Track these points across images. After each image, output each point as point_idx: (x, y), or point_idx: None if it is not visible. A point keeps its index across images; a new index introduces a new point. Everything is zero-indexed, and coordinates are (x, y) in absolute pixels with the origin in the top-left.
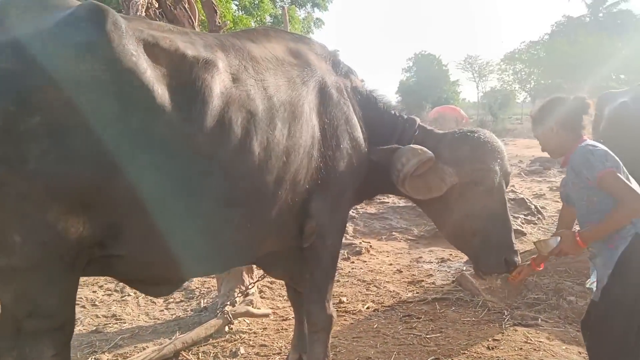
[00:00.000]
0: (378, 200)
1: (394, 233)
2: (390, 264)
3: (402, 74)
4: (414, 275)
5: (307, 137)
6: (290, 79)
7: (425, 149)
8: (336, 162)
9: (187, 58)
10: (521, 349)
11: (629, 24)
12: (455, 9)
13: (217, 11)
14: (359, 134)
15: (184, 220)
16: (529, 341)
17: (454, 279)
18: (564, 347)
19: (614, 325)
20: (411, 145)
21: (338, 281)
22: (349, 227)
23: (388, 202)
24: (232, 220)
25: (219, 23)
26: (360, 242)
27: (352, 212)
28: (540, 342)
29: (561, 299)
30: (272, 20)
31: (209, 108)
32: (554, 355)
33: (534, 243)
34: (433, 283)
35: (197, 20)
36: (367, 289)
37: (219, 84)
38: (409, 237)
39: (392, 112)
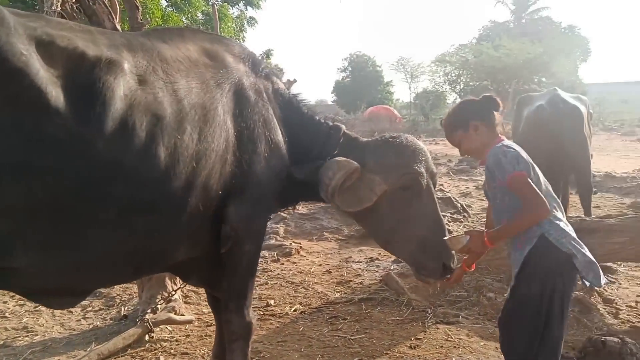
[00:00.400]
0: None
1: (324, 233)
2: (320, 265)
3: (338, 73)
4: (342, 275)
5: (220, 141)
6: (204, 81)
7: (350, 160)
8: (253, 167)
9: (87, 58)
10: (442, 346)
11: (548, 30)
12: (389, 11)
13: (139, 7)
14: (279, 137)
15: (84, 229)
16: (449, 339)
17: (381, 279)
18: (482, 344)
19: (521, 324)
20: (336, 158)
21: (266, 284)
22: (280, 228)
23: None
24: (137, 227)
25: (141, 20)
26: (291, 243)
27: (283, 213)
28: (460, 339)
29: (481, 296)
30: (204, 18)
31: (110, 111)
32: (472, 352)
33: (445, 240)
34: (361, 283)
35: (117, 17)
36: (295, 291)
37: (122, 85)
38: (340, 237)
39: (317, 118)
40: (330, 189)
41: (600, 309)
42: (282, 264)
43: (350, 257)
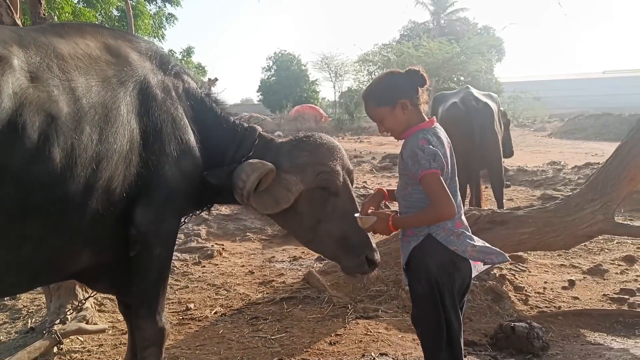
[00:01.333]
0: None
1: (248, 234)
2: (243, 266)
3: (263, 73)
4: (265, 275)
5: (123, 141)
6: (105, 79)
7: (264, 161)
8: (161, 168)
9: None
10: (361, 341)
11: (466, 31)
12: (314, 10)
13: (41, 2)
14: (190, 137)
15: None
16: (368, 333)
17: (303, 277)
18: (400, 336)
19: (423, 320)
20: (249, 161)
21: (187, 287)
22: (202, 230)
23: None
24: (31, 234)
25: (45, 15)
26: (213, 245)
27: (205, 214)
28: (379, 332)
29: (400, 289)
30: (119, 14)
31: None
32: (390, 345)
33: (356, 217)
34: (284, 282)
35: (18, 12)
36: (216, 293)
37: (11, 83)
38: (263, 237)
39: (231, 119)
40: (244, 192)
41: (512, 296)
42: (204, 266)
43: (274, 257)
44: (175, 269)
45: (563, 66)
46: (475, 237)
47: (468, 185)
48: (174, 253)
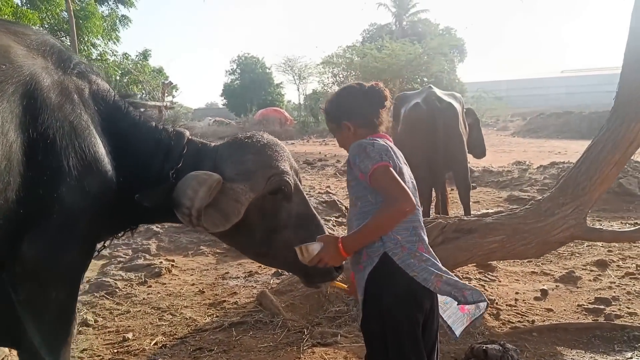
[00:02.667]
0: None
1: (202, 247)
2: (193, 284)
3: (226, 76)
4: (216, 295)
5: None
6: None
7: (209, 172)
8: (55, 188)
9: None
10: None
11: (428, 32)
12: (274, 13)
13: None
14: (97, 149)
15: None
16: None
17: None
18: None
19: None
20: (192, 173)
21: (128, 312)
22: (152, 245)
23: None
24: None
25: None
26: (161, 262)
27: (156, 226)
28: None
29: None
30: (67, 16)
31: None
32: None
33: (295, 249)
34: (236, 303)
35: None
36: (160, 319)
37: None
38: (218, 251)
39: (153, 124)
40: (193, 211)
41: None
42: (150, 286)
43: (228, 273)
44: (118, 290)
45: (523, 66)
46: (445, 269)
47: (433, 189)
48: (118, 272)
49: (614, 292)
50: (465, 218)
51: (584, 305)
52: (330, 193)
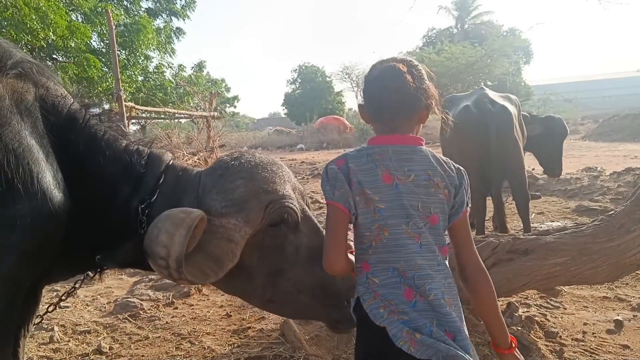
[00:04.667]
0: None
1: None
2: (221, 307)
3: (287, 86)
4: (243, 320)
5: None
6: None
7: (187, 209)
8: None
9: None
10: None
11: (491, 34)
12: (332, 21)
13: None
14: (36, 172)
15: None
16: None
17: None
18: None
19: None
20: (165, 213)
21: (146, 339)
22: None
23: None
24: None
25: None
26: None
27: None
28: None
29: None
30: (122, 29)
31: None
32: None
33: None
34: (261, 330)
35: None
36: (177, 347)
37: None
38: None
39: (122, 143)
40: (171, 262)
41: (542, 346)
42: (176, 308)
43: None
44: (142, 312)
45: (596, 66)
46: (431, 325)
47: (490, 199)
48: (147, 292)
49: None
50: (521, 236)
51: None
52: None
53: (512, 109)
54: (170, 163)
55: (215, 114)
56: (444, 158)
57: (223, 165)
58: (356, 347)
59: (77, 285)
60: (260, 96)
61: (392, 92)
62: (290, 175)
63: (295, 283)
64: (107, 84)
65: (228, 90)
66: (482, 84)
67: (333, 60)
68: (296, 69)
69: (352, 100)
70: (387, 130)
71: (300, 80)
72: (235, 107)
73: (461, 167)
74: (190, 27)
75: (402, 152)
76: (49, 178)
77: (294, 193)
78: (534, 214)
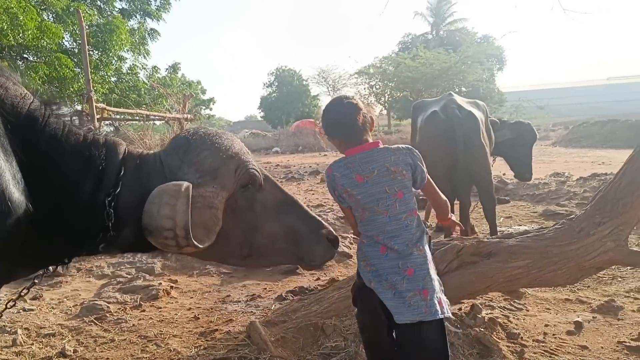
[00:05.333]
0: None
1: (208, 266)
2: (190, 309)
3: (264, 89)
4: (211, 322)
5: None
6: None
7: (175, 182)
8: None
9: None
10: None
11: (465, 40)
12: (310, 25)
13: None
14: None
15: None
16: None
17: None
18: None
19: None
20: (159, 188)
21: (112, 341)
22: (157, 264)
23: None
24: None
25: None
26: (161, 283)
27: None
28: None
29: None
30: (94, 29)
31: None
32: None
33: None
34: (228, 332)
35: None
36: (142, 350)
37: None
38: (224, 270)
39: (81, 134)
40: (179, 231)
41: (503, 347)
42: (144, 310)
43: (229, 296)
44: (109, 315)
45: (567, 74)
46: (396, 274)
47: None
48: (114, 294)
49: None
50: (485, 239)
51: (625, 342)
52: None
53: (479, 114)
54: (127, 152)
55: (189, 116)
56: (395, 146)
57: (182, 143)
58: (352, 288)
59: (36, 281)
60: (237, 99)
61: (343, 119)
62: (239, 141)
63: (269, 235)
64: (79, 84)
65: (204, 92)
66: (457, 89)
67: (310, 63)
68: (273, 72)
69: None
70: (351, 145)
71: (277, 84)
72: (211, 109)
73: (409, 146)
74: (166, 29)
75: (365, 157)
76: (7, 177)
77: (249, 155)
78: (502, 218)
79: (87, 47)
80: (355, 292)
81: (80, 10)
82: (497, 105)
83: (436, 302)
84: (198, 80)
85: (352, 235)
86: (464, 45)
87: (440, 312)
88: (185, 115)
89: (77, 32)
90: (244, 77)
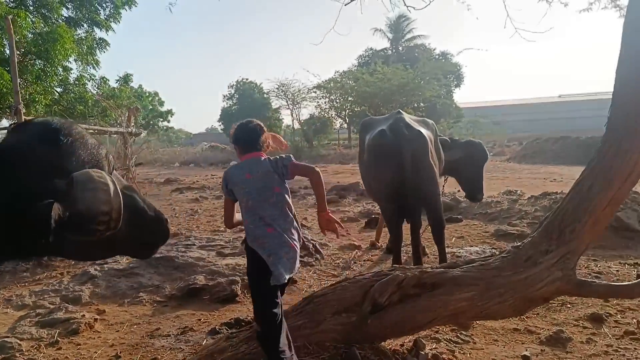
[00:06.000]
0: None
1: (141, 294)
2: (112, 345)
3: (224, 101)
4: None
5: None
6: None
7: (91, 169)
8: None
9: None
10: None
11: (424, 57)
12: (268, 36)
13: None
14: None
15: None
16: None
17: None
18: None
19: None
20: (84, 178)
21: None
22: (85, 291)
23: None
24: None
25: None
26: (84, 315)
27: (94, 270)
28: None
29: None
30: (34, 37)
31: None
32: None
33: None
34: None
35: None
36: None
37: None
38: (158, 299)
39: None
40: (114, 214)
41: None
42: (60, 348)
43: (159, 329)
44: (19, 355)
45: (520, 90)
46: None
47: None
48: (30, 329)
49: (611, 358)
50: (429, 269)
51: None
52: (305, 226)
53: (427, 133)
54: None
55: (133, 130)
56: (272, 157)
57: (35, 131)
58: (247, 264)
59: None
60: (198, 110)
61: (249, 134)
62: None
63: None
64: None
65: (162, 104)
66: (415, 105)
67: (270, 77)
68: (233, 85)
69: (288, 118)
70: (245, 152)
71: (237, 96)
72: (169, 121)
73: (278, 157)
74: (119, 40)
75: (253, 162)
76: None
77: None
78: (454, 238)
79: (19, 57)
80: (249, 263)
81: (19, 18)
82: (455, 121)
83: (297, 266)
84: (155, 91)
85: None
86: (421, 61)
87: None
88: (129, 129)
89: (19, 41)
90: (204, 88)
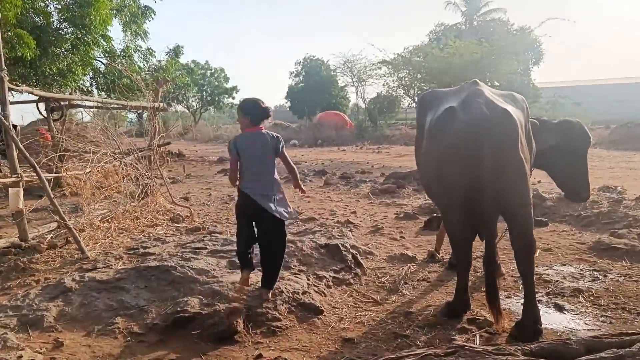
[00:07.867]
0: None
1: (117, 319)
2: None
3: (291, 78)
4: None
5: None
6: None
7: None
8: None
9: None
10: None
11: (500, 32)
12: (344, 15)
13: None
14: None
15: None
16: None
17: None
18: None
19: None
20: None
21: None
22: (52, 309)
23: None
24: None
25: None
26: (21, 356)
27: (72, 280)
28: None
29: None
30: (72, 1)
31: None
32: None
33: None
34: None
35: None
36: None
37: None
38: (136, 329)
39: None
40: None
41: None
42: None
43: None
44: None
45: (607, 70)
46: (265, 190)
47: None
48: None
49: None
50: (545, 344)
51: None
52: (352, 222)
53: (517, 114)
54: None
55: (161, 104)
56: (271, 133)
57: None
58: (237, 200)
59: None
60: (266, 88)
61: (253, 109)
62: None
63: None
64: (58, 65)
65: (227, 80)
66: (489, 83)
67: (338, 50)
68: (300, 62)
69: (353, 96)
70: (251, 126)
71: (304, 73)
72: (233, 98)
73: (276, 135)
74: (184, 13)
75: (255, 134)
76: None
77: None
78: (539, 251)
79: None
80: (239, 207)
81: None
82: (532, 101)
83: (283, 212)
84: (221, 67)
85: (331, 275)
86: (497, 35)
87: (282, 216)
88: (157, 104)
89: (40, 6)
90: (273, 65)
